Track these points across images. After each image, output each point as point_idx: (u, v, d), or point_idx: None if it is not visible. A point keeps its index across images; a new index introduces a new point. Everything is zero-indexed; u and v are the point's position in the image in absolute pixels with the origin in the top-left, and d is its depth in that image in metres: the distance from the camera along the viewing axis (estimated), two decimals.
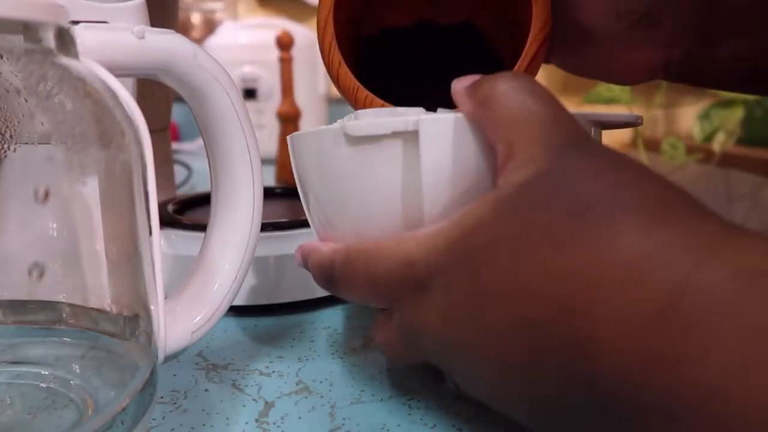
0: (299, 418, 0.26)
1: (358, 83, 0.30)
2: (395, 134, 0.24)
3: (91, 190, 0.23)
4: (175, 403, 0.27)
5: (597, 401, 0.18)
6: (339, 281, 0.26)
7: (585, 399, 0.18)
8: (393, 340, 0.25)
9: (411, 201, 0.25)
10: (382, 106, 0.30)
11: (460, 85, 0.25)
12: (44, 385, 0.23)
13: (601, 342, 0.17)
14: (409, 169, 0.24)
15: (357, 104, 0.30)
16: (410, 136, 0.24)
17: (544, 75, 0.31)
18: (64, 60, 0.22)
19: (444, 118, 0.24)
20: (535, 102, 0.22)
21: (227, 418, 0.26)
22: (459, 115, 0.24)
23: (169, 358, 0.25)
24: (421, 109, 0.29)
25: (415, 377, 0.29)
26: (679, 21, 0.29)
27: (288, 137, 0.29)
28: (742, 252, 0.16)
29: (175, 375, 0.29)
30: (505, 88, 0.23)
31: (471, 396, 0.23)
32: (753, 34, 0.29)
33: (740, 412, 0.14)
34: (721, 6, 0.29)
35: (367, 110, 0.30)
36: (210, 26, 1.29)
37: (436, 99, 0.29)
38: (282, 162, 0.77)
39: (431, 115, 0.24)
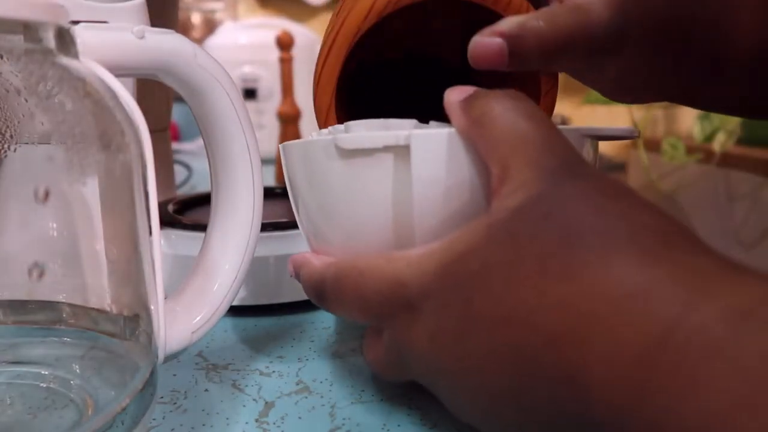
0: (299, 418, 0.26)
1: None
2: (386, 148, 0.24)
3: (91, 190, 0.23)
4: (175, 403, 0.27)
5: (586, 431, 0.18)
6: (329, 297, 0.26)
7: (575, 428, 0.18)
8: (381, 358, 0.25)
9: (401, 216, 0.24)
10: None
11: (453, 98, 0.24)
12: (44, 385, 0.23)
13: (590, 374, 0.17)
14: (400, 184, 0.24)
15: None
16: (402, 151, 0.24)
17: None
18: (64, 60, 0.22)
19: (436, 133, 0.23)
20: (530, 124, 0.22)
21: (227, 418, 0.26)
22: (452, 130, 0.23)
23: (169, 358, 0.25)
24: (413, 121, 0.29)
25: None
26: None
27: (280, 146, 0.29)
28: (734, 291, 0.16)
29: (175, 375, 0.29)
30: (499, 108, 0.22)
31: (457, 417, 0.23)
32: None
33: None
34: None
35: (359, 122, 0.30)
36: (210, 26, 1.29)
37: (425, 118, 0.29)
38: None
39: (423, 130, 0.24)
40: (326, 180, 0.26)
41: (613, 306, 0.17)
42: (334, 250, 0.27)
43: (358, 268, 0.24)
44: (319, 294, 0.26)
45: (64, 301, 0.25)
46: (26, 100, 0.21)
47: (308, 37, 1.00)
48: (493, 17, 0.28)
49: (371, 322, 0.25)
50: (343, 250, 0.26)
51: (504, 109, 0.22)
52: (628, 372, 0.16)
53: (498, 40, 0.26)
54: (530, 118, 0.22)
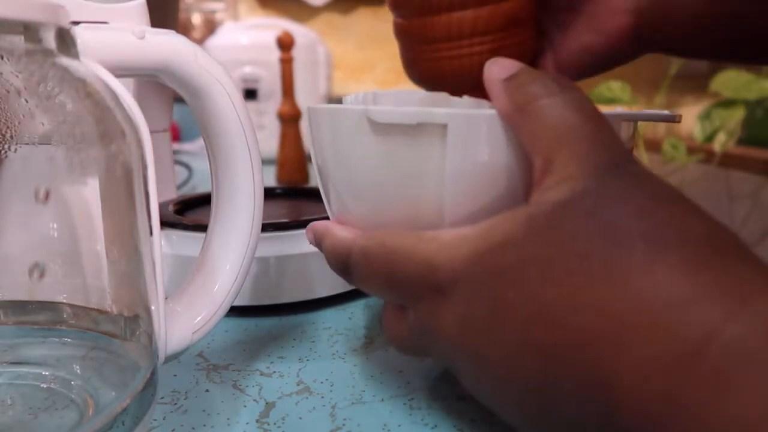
0: (300, 418, 0.26)
1: None
2: (420, 125, 0.23)
3: (91, 190, 0.23)
4: (175, 404, 0.27)
5: (604, 428, 0.17)
6: (355, 273, 0.25)
7: (597, 430, 0.18)
8: (405, 335, 0.25)
9: (431, 195, 0.24)
10: None
11: (494, 74, 0.23)
12: (45, 386, 0.23)
13: (621, 379, 0.17)
14: (432, 163, 0.23)
15: None
16: (437, 129, 0.23)
17: None
18: (65, 60, 0.22)
19: (475, 114, 0.22)
20: (579, 117, 0.21)
21: (228, 419, 0.26)
22: (492, 113, 0.22)
23: (169, 359, 0.25)
24: (444, 95, 0.28)
25: (416, 377, 0.29)
26: None
27: (307, 108, 0.28)
28: None
29: (175, 375, 0.29)
30: (547, 97, 0.21)
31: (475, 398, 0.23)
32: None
33: None
34: None
35: (388, 91, 0.29)
36: (211, 27, 1.29)
37: None
38: (282, 162, 0.77)
39: (462, 111, 0.22)
40: (355, 151, 0.25)
41: (653, 314, 0.17)
42: (357, 221, 0.26)
43: (388, 246, 0.23)
44: (343, 267, 0.26)
45: (64, 301, 0.25)
46: (27, 101, 0.21)
47: (309, 38, 1.00)
48: None
49: (397, 300, 0.25)
50: (366, 222, 0.26)
51: (552, 98, 0.21)
52: (661, 380, 0.16)
53: None
54: (579, 110, 0.21)
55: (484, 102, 0.29)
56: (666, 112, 0.26)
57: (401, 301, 0.24)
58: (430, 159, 0.23)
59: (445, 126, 0.22)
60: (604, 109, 0.23)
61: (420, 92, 0.29)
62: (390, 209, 0.25)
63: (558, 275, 0.19)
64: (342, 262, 0.26)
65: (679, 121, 0.26)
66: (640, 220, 0.18)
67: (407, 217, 0.24)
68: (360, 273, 0.25)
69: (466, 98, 0.29)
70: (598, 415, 0.17)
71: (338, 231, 0.26)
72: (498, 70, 0.23)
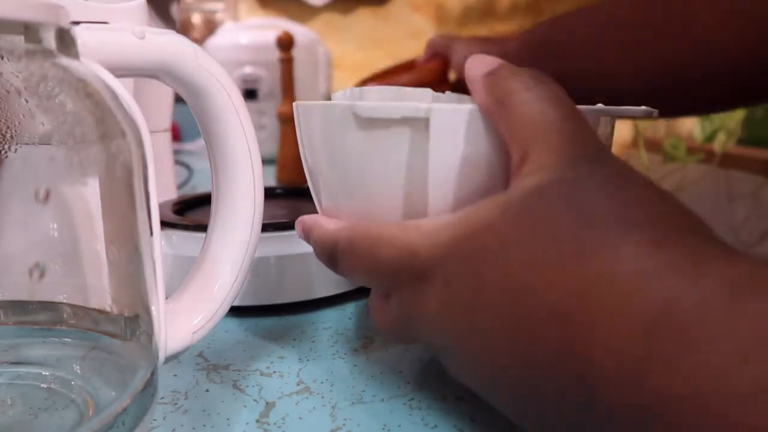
0: (300, 418, 0.26)
1: None
2: (405, 119, 0.24)
3: (91, 190, 0.23)
4: (175, 404, 0.27)
5: (588, 405, 0.18)
6: (340, 260, 0.26)
7: (576, 403, 0.18)
8: (390, 322, 0.25)
9: (415, 187, 0.24)
10: None
11: (475, 70, 0.24)
12: (45, 386, 0.23)
13: (595, 348, 0.17)
14: (416, 156, 0.24)
15: None
16: (420, 123, 0.23)
17: None
18: (65, 60, 0.22)
19: (457, 108, 0.23)
20: (555, 111, 0.22)
21: (228, 419, 0.26)
22: (473, 107, 0.23)
23: (169, 359, 0.25)
24: (428, 91, 0.29)
25: (416, 377, 0.29)
26: None
27: (294, 104, 0.29)
28: (731, 271, 0.17)
29: (175, 375, 0.29)
30: (524, 91, 0.22)
31: (459, 380, 0.24)
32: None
33: (729, 407, 0.15)
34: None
35: (373, 88, 0.30)
36: (211, 27, 1.29)
37: None
38: (282, 162, 0.77)
39: (444, 105, 0.23)
40: (341, 145, 0.26)
41: (621, 285, 0.18)
42: (345, 214, 0.27)
43: (372, 234, 0.24)
44: (330, 256, 0.26)
45: (64, 301, 0.25)
46: (27, 101, 0.21)
47: (309, 38, 1.00)
48: None
49: (380, 287, 0.26)
50: (353, 215, 0.27)
51: (530, 92, 0.22)
52: (631, 343, 0.17)
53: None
54: (555, 103, 0.22)
55: (465, 97, 0.29)
56: (643, 107, 0.26)
57: (385, 288, 0.25)
58: (414, 152, 0.24)
59: (427, 120, 0.23)
60: (583, 104, 0.24)
61: (405, 89, 0.29)
62: (376, 202, 0.26)
63: (533, 255, 0.19)
64: (329, 252, 0.26)
65: (656, 117, 0.27)
66: (610, 202, 0.19)
67: (393, 209, 0.25)
68: (346, 262, 0.26)
69: (448, 93, 0.30)
70: (577, 389, 0.18)
71: (326, 223, 0.27)
72: (479, 66, 0.24)
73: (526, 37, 0.61)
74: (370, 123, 0.24)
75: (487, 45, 0.63)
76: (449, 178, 0.24)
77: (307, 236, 0.29)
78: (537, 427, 0.21)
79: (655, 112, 0.27)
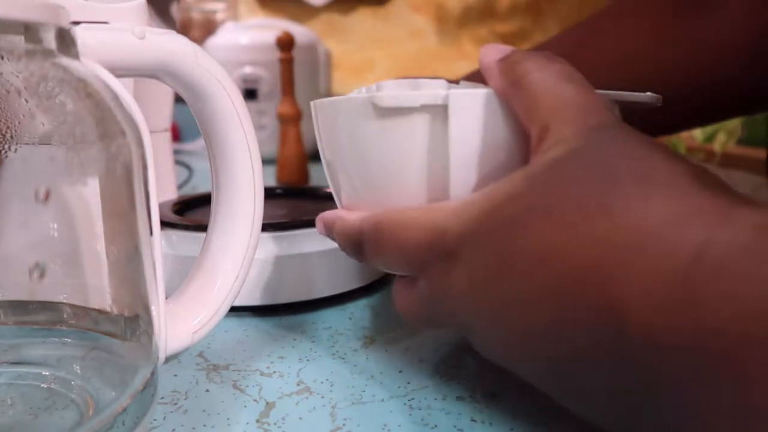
0: (300, 418, 0.26)
1: None
2: (424, 107, 0.24)
3: (91, 190, 0.23)
4: (175, 404, 0.27)
5: (629, 360, 0.18)
6: (367, 249, 0.26)
7: (609, 357, 0.18)
8: (415, 306, 0.26)
9: (436, 174, 0.25)
10: None
11: (489, 57, 0.25)
12: (45, 386, 0.23)
13: (629, 300, 0.18)
14: (436, 142, 0.25)
15: None
16: (439, 110, 0.24)
17: None
18: (65, 60, 0.22)
19: (474, 93, 0.24)
20: (569, 87, 0.23)
21: (228, 419, 0.26)
22: (489, 91, 0.24)
23: (169, 359, 0.25)
24: (442, 81, 0.29)
25: (416, 377, 0.29)
26: None
27: (311, 103, 0.29)
28: (756, 215, 0.17)
29: (175, 375, 0.29)
30: (538, 70, 0.23)
31: (489, 359, 0.24)
32: None
33: (762, 346, 0.15)
34: None
35: (388, 82, 0.30)
36: (211, 27, 1.29)
37: None
38: (282, 162, 0.77)
39: (461, 90, 0.24)
40: (362, 138, 0.26)
41: (649, 234, 0.18)
42: (367, 206, 0.28)
43: (396, 219, 0.25)
44: (356, 246, 0.27)
45: (64, 301, 0.25)
46: (27, 101, 0.21)
47: (309, 38, 1.00)
48: None
49: (408, 271, 0.26)
50: (375, 206, 0.27)
51: (543, 71, 0.23)
52: (665, 291, 0.17)
53: None
54: (569, 80, 0.23)
55: (479, 85, 0.30)
56: (648, 93, 0.26)
57: (411, 270, 0.25)
58: (435, 138, 0.25)
59: (446, 106, 0.24)
60: None
61: (419, 80, 0.30)
62: (398, 190, 0.26)
63: (559, 219, 0.20)
64: (354, 241, 0.27)
65: (659, 104, 0.27)
66: (633, 163, 0.20)
67: (415, 196, 0.26)
68: (372, 248, 0.26)
69: (463, 82, 0.30)
70: (612, 343, 0.18)
71: (348, 215, 0.28)
72: (492, 52, 0.25)
73: (472, 77, 0.63)
74: (389, 113, 0.25)
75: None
76: (469, 161, 0.24)
77: (329, 230, 0.29)
78: (577, 398, 0.21)
79: (660, 99, 0.27)
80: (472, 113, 0.24)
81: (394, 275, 0.28)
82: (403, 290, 0.27)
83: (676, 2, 0.49)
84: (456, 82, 0.30)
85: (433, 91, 0.24)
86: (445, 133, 0.24)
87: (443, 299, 0.24)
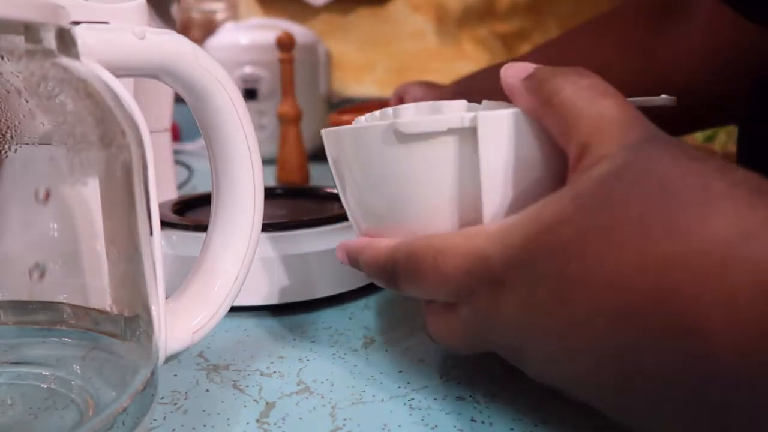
0: (300, 418, 0.26)
1: None
2: (450, 131, 0.24)
3: (91, 190, 0.23)
4: (175, 404, 0.27)
5: (706, 380, 0.18)
6: (402, 278, 0.26)
7: (691, 382, 0.18)
8: (458, 332, 0.25)
9: (466, 197, 0.24)
10: None
11: (513, 78, 0.24)
12: (45, 386, 0.23)
13: (709, 320, 0.17)
14: (465, 166, 0.24)
15: None
16: (466, 133, 0.23)
17: None
18: (65, 60, 0.22)
19: (503, 114, 0.23)
20: (607, 102, 0.22)
21: (228, 419, 0.26)
22: (517, 110, 0.23)
23: (170, 359, 0.25)
24: (463, 102, 0.29)
25: (416, 377, 0.29)
26: None
27: (323, 132, 0.29)
28: None
29: (175, 375, 0.29)
30: (570, 87, 0.22)
31: (539, 381, 0.23)
32: None
33: None
34: None
35: (407, 105, 0.29)
36: (211, 27, 1.29)
37: None
38: (282, 162, 0.77)
39: (489, 112, 0.23)
40: (385, 166, 0.26)
41: (722, 253, 0.17)
42: (393, 232, 0.27)
43: (434, 246, 0.24)
44: (389, 276, 0.26)
45: (65, 301, 0.25)
46: (27, 101, 0.21)
47: (309, 38, 1.00)
48: None
49: (449, 298, 0.25)
50: (403, 233, 0.26)
51: (575, 87, 0.22)
52: (750, 311, 0.17)
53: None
54: (603, 94, 0.22)
55: (502, 104, 0.29)
56: (663, 96, 0.26)
57: (453, 298, 0.25)
58: (463, 162, 0.24)
59: (473, 129, 0.23)
60: None
61: (438, 103, 0.29)
62: (427, 217, 0.26)
63: (618, 241, 0.19)
64: (388, 270, 0.26)
65: (674, 105, 0.27)
66: (687, 176, 0.19)
67: (445, 222, 0.25)
68: (408, 277, 0.25)
69: (485, 102, 0.30)
70: (695, 363, 0.18)
71: (376, 244, 0.27)
72: (515, 72, 0.24)
73: (458, 87, 0.66)
74: (414, 139, 0.24)
75: (430, 89, 0.68)
76: (501, 182, 0.24)
77: (353, 260, 0.29)
78: (643, 415, 0.20)
79: (674, 100, 0.26)
80: (501, 134, 0.23)
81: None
82: (440, 317, 0.26)
83: (647, 17, 0.50)
84: (477, 101, 0.29)
85: (459, 114, 0.23)
86: (473, 155, 0.24)
87: (490, 326, 0.23)
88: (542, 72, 0.24)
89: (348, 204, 0.30)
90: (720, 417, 0.18)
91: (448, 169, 0.24)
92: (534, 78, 0.24)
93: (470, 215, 0.25)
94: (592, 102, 0.22)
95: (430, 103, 0.29)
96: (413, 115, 0.29)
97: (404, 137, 0.24)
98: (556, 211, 0.21)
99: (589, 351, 0.20)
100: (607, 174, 0.20)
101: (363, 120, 0.31)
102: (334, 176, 0.29)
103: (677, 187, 0.19)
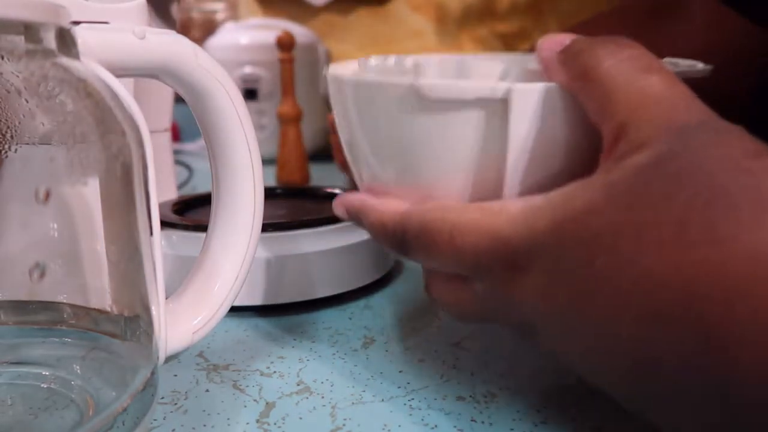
0: (300, 418, 0.26)
1: None
2: (479, 101, 0.22)
3: (92, 190, 0.23)
4: (175, 404, 0.27)
5: (722, 396, 0.17)
6: (413, 249, 0.24)
7: (704, 391, 0.17)
8: (468, 304, 0.24)
9: (487, 171, 0.23)
10: None
11: (549, 51, 0.22)
12: (45, 386, 0.23)
13: (739, 333, 0.16)
14: (489, 138, 0.22)
15: None
16: (496, 104, 0.22)
17: None
18: (65, 60, 0.22)
19: (538, 88, 0.22)
20: (651, 78, 0.20)
21: (228, 419, 0.26)
22: (552, 85, 0.22)
23: (170, 359, 0.25)
24: (495, 62, 0.26)
25: (416, 377, 0.29)
26: None
27: (329, 76, 0.26)
28: None
29: (175, 375, 0.29)
30: (610, 60, 0.20)
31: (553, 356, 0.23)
32: None
33: None
34: None
35: (430, 59, 0.26)
36: (211, 27, 1.29)
37: None
38: (282, 162, 0.77)
39: (524, 84, 0.22)
40: (398, 128, 0.24)
41: (766, 264, 0.16)
42: (398, 192, 0.25)
43: (451, 221, 0.22)
44: (397, 244, 0.25)
45: (65, 301, 0.25)
46: (27, 101, 0.21)
47: (309, 38, 1.00)
48: None
49: (463, 273, 0.24)
50: (409, 195, 0.25)
51: (616, 61, 0.20)
52: None
53: None
54: (647, 68, 0.20)
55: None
56: (701, 65, 0.24)
57: (467, 273, 0.23)
58: (488, 133, 0.22)
59: (504, 101, 0.22)
60: None
61: (467, 57, 0.27)
62: (439, 184, 0.24)
63: (654, 241, 0.18)
64: (397, 237, 0.24)
65: (708, 75, 0.25)
66: (738, 175, 0.17)
67: (458, 191, 0.24)
68: (420, 249, 0.24)
69: (514, 66, 0.27)
70: (711, 374, 0.17)
71: (383, 205, 0.25)
72: (550, 44, 0.23)
73: None
74: (436, 104, 0.22)
75: None
76: (527, 159, 0.22)
77: (353, 216, 0.27)
78: (655, 408, 0.19)
79: (710, 71, 0.25)
80: (534, 109, 0.21)
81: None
82: (448, 285, 0.25)
83: (647, 17, 0.49)
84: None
85: (490, 84, 0.22)
86: (501, 128, 0.22)
87: (504, 304, 0.22)
88: (579, 43, 0.22)
89: (349, 152, 0.27)
90: (738, 427, 0.17)
91: (471, 139, 0.22)
92: (570, 50, 0.22)
93: (488, 187, 0.23)
94: (633, 77, 0.20)
95: (458, 57, 0.27)
96: (437, 74, 0.27)
97: (426, 102, 0.22)
98: (586, 198, 0.19)
99: (606, 347, 0.19)
100: (646, 164, 0.18)
101: (372, 63, 0.28)
102: (337, 124, 0.27)
103: (727, 188, 0.17)
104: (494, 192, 0.23)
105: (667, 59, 0.23)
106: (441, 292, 0.25)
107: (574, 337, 0.21)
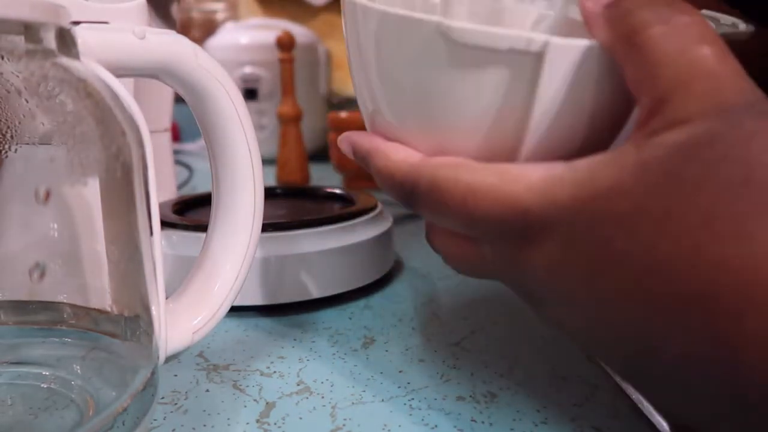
0: (300, 418, 0.26)
1: None
2: (512, 51, 0.20)
3: (92, 190, 0.23)
4: (175, 404, 0.27)
5: (724, 389, 0.17)
6: (422, 205, 0.23)
7: (707, 382, 0.17)
8: (471, 260, 0.23)
9: (507, 127, 0.21)
10: None
11: (594, 4, 0.21)
12: (45, 386, 0.23)
13: (748, 334, 0.16)
14: (515, 92, 0.21)
15: None
16: (529, 57, 0.20)
17: None
18: (65, 60, 0.22)
19: (578, 45, 0.20)
20: (703, 50, 0.18)
21: (228, 419, 0.26)
22: (594, 44, 0.20)
23: (170, 359, 0.25)
24: (531, 9, 0.24)
25: (416, 377, 0.29)
26: None
27: (352, 2, 0.24)
28: None
29: (176, 375, 0.29)
30: (660, 26, 0.19)
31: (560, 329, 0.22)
32: None
33: None
34: None
35: None
36: (211, 27, 1.29)
37: None
38: (282, 162, 0.77)
39: (562, 39, 0.20)
40: (417, 69, 0.22)
41: None
42: (408, 137, 0.24)
43: (465, 181, 0.21)
44: (405, 196, 0.23)
45: (65, 301, 0.25)
46: (27, 101, 0.21)
47: (309, 38, 1.00)
48: None
49: (469, 234, 0.23)
50: (420, 141, 0.23)
51: (666, 26, 0.19)
52: None
53: None
54: (700, 39, 0.18)
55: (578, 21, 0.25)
56: (742, 26, 0.23)
57: (475, 236, 0.22)
58: (516, 87, 0.21)
59: (540, 54, 0.20)
60: None
61: (502, 1, 0.25)
62: (456, 135, 0.23)
63: (678, 230, 0.17)
64: (405, 190, 0.23)
65: (747, 36, 0.23)
66: None
67: (474, 145, 0.22)
68: (428, 206, 0.23)
69: (553, 9, 0.26)
70: (716, 369, 0.17)
71: (393, 152, 0.24)
72: None
73: None
74: (464, 49, 0.21)
75: None
76: (553, 120, 0.21)
77: (363, 159, 0.25)
78: (662, 392, 0.19)
79: (750, 27, 0.23)
80: (569, 68, 0.20)
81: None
82: (454, 240, 0.24)
83: None
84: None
85: (526, 34, 0.20)
86: (530, 84, 0.20)
87: (512, 270, 0.22)
88: (629, 1, 0.20)
89: (358, 86, 0.25)
90: (741, 419, 0.17)
91: (496, 92, 0.21)
92: (618, 7, 0.20)
93: (505, 144, 0.22)
94: (684, 47, 0.18)
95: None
96: (468, 15, 0.25)
97: (453, 45, 0.21)
98: (613, 176, 0.18)
99: (611, 326, 0.19)
100: (682, 145, 0.17)
101: None
102: (349, 54, 0.25)
103: (762, 183, 0.16)
104: (510, 151, 0.22)
105: (705, 12, 0.22)
106: (444, 244, 0.24)
107: (581, 312, 0.20)
